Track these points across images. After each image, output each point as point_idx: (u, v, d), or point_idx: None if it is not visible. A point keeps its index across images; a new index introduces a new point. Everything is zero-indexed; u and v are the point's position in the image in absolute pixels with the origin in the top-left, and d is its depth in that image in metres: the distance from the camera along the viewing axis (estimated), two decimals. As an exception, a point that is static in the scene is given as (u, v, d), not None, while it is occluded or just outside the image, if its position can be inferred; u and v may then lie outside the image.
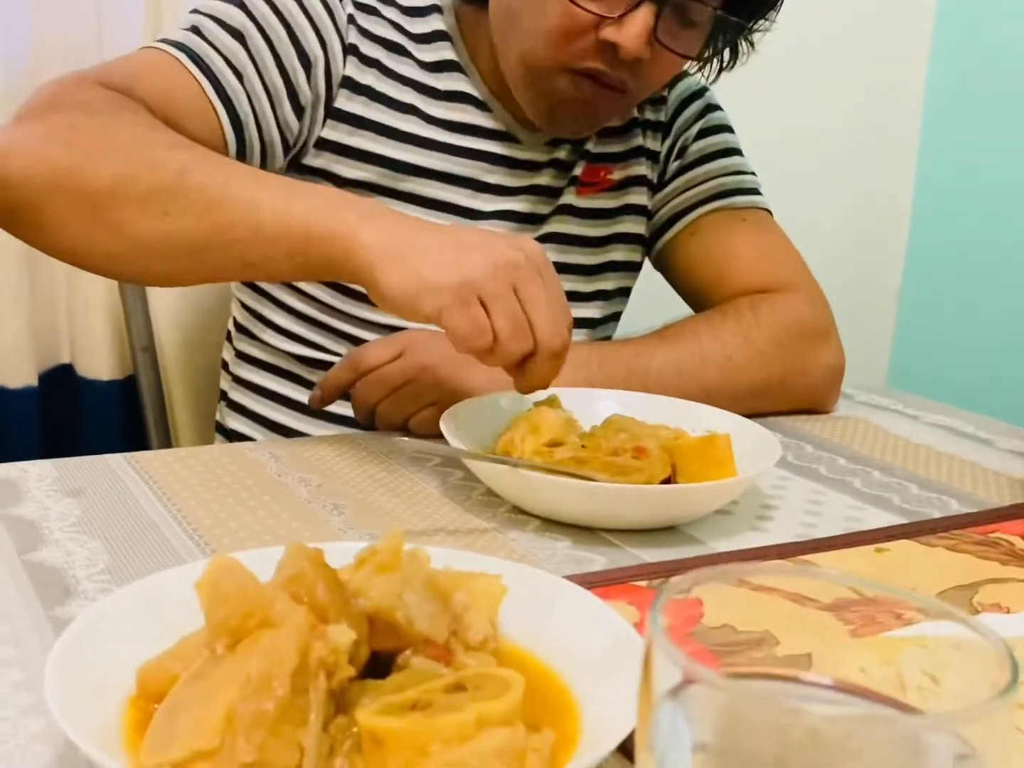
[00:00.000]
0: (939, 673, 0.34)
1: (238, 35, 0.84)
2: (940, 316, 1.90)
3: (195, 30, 0.84)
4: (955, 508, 0.74)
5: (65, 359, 1.23)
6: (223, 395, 1.01)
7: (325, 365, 0.90)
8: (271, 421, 0.96)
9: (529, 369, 0.68)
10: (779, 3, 0.89)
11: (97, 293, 1.20)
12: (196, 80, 0.82)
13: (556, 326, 0.67)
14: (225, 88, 0.83)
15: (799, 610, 0.36)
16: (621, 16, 0.80)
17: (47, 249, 0.76)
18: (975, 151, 1.83)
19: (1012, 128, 1.77)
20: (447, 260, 0.66)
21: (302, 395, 0.94)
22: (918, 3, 1.85)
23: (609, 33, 0.81)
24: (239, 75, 0.84)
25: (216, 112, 0.82)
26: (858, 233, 1.90)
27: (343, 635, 0.38)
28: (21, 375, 1.16)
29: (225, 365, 1.02)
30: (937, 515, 0.72)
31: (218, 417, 1.03)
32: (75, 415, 1.22)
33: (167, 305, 1.09)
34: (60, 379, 1.22)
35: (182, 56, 0.82)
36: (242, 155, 0.85)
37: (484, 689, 0.39)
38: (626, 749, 0.38)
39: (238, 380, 0.99)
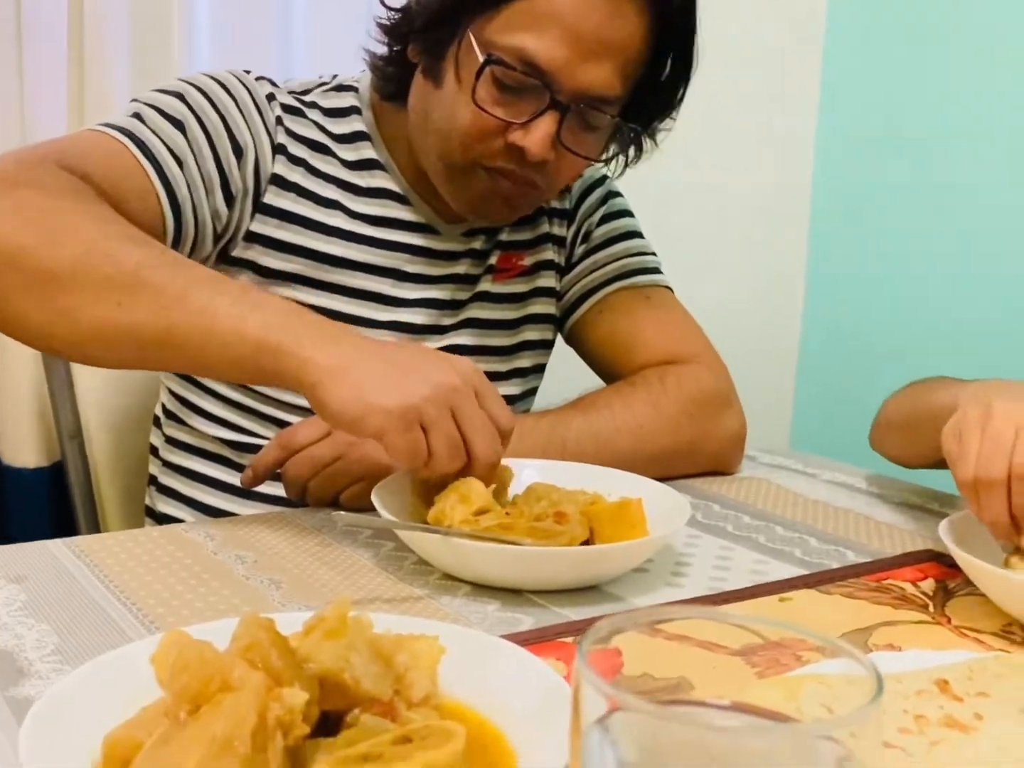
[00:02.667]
0: (834, 704, 0.39)
1: (179, 124, 0.88)
2: (837, 380, 2.00)
3: (138, 117, 0.88)
4: (851, 558, 0.80)
5: (-10, 448, 1.23)
6: (152, 479, 1.03)
7: (253, 448, 0.92)
8: (202, 504, 0.98)
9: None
10: (677, 107, 0.96)
11: (23, 382, 1.20)
12: (141, 165, 0.85)
13: (491, 441, 0.72)
14: (167, 174, 0.86)
15: (711, 656, 0.41)
16: (526, 122, 0.87)
17: None
18: (865, 228, 1.93)
19: (898, 203, 1.86)
20: (390, 384, 0.70)
21: (232, 477, 0.96)
22: (802, 106, 1.98)
23: (516, 137, 0.87)
24: (180, 162, 0.87)
25: (158, 196, 0.86)
26: (755, 305, 2.00)
27: (297, 696, 0.42)
28: (-53, 466, 1.16)
29: (154, 450, 1.04)
30: (835, 565, 0.78)
31: (147, 501, 1.04)
32: (2, 503, 1.21)
33: (94, 392, 1.11)
34: (-14, 468, 1.22)
35: (128, 141, 0.85)
36: (178, 240, 0.88)
37: (429, 740, 0.43)
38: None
39: (168, 465, 1.00)
